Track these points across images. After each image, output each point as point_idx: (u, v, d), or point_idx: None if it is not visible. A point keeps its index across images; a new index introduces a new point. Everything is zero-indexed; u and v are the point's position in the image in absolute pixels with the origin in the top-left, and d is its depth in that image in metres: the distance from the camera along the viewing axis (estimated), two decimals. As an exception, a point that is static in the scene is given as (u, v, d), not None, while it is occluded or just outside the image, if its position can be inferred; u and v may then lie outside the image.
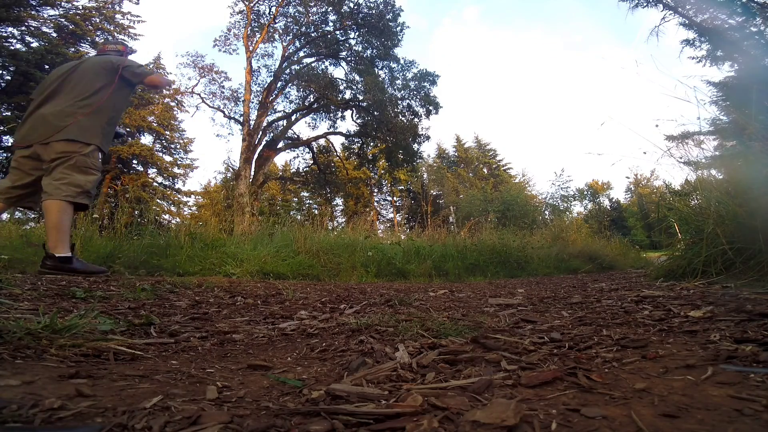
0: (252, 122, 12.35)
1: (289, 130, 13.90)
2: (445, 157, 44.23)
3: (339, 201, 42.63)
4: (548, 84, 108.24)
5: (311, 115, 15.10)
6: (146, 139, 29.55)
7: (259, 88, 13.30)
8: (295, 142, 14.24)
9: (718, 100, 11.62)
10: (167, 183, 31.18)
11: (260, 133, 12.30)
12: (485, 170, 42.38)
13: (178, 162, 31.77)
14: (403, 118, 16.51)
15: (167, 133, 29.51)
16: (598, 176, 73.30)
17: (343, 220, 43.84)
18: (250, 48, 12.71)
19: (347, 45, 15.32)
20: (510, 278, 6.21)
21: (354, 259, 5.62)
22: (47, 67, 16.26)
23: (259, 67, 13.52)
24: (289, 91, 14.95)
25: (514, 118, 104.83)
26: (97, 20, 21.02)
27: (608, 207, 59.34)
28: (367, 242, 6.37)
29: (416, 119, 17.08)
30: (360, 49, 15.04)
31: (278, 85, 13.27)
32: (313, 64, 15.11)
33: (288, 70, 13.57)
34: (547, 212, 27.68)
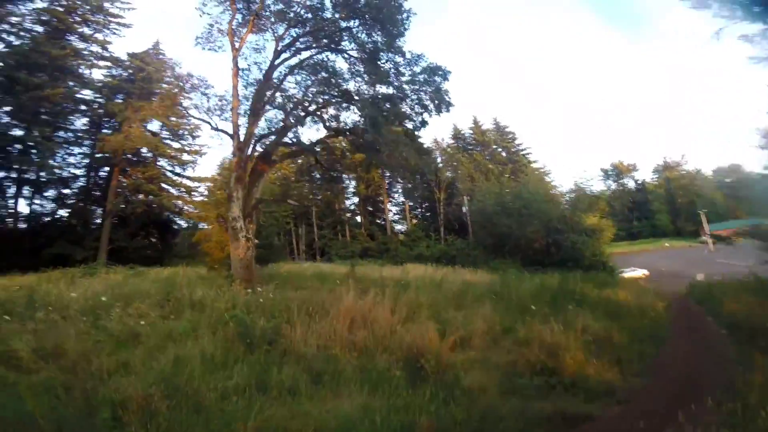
0: (242, 134, 11.23)
1: (287, 136, 12.70)
2: (460, 138, 41.84)
3: (350, 184, 41.43)
4: (573, 62, 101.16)
5: (310, 118, 13.80)
6: (153, 126, 28.69)
7: (249, 92, 12.01)
8: (294, 152, 13.07)
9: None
10: (178, 170, 30.71)
11: (252, 145, 11.19)
12: (503, 154, 39.98)
13: (186, 149, 31.12)
14: (411, 112, 15.03)
15: (173, 119, 28.61)
16: (624, 157, 71.09)
17: (355, 202, 42.84)
18: (236, 44, 11.27)
19: (350, 33, 13.66)
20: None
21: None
22: (29, 69, 15.39)
23: (249, 65, 12.20)
24: (284, 92, 13.63)
25: (535, 100, 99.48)
26: (84, 11, 19.86)
27: (633, 188, 57.81)
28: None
29: (426, 114, 15.55)
30: (364, 37, 13.38)
31: (271, 86, 11.91)
32: (313, 56, 13.60)
33: (282, 67, 12.19)
34: (566, 210, 25.87)
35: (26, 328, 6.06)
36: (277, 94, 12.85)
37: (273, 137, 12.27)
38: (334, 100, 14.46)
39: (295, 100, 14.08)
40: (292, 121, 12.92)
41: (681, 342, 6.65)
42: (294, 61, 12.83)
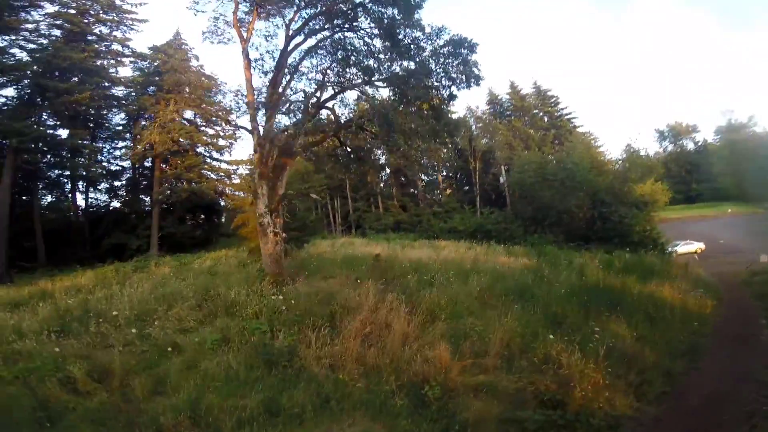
0: (261, 128, 11.01)
1: (308, 125, 12.33)
2: (497, 103, 38.87)
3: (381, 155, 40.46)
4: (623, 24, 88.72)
5: (332, 102, 13.27)
6: (188, 114, 29.52)
7: (263, 84, 11.62)
8: (315, 141, 12.68)
9: None
10: (216, 155, 31.77)
11: (272, 139, 10.97)
12: (545, 119, 36.71)
13: (221, 134, 31.91)
14: (438, 84, 14.01)
15: (204, 106, 29.19)
16: (682, 118, 64.99)
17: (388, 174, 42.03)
18: (244, 34, 10.78)
19: (364, 9, 12.66)
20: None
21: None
22: (57, 74, 16.06)
23: (261, 55, 11.71)
24: (301, 77, 13.10)
25: (581, 61, 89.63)
26: (96, 11, 20.14)
27: (692, 150, 52.49)
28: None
29: (455, 87, 14.43)
30: (379, 12, 12.34)
31: (286, 74, 11.43)
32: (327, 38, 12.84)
33: (296, 53, 11.58)
34: (615, 180, 23.27)
35: (82, 342, 6.71)
36: (294, 80, 12.40)
37: (293, 128, 11.97)
38: (356, 80, 13.80)
39: (315, 85, 13.61)
40: (311, 108, 12.49)
41: (720, 358, 5.82)
42: (308, 44, 12.17)
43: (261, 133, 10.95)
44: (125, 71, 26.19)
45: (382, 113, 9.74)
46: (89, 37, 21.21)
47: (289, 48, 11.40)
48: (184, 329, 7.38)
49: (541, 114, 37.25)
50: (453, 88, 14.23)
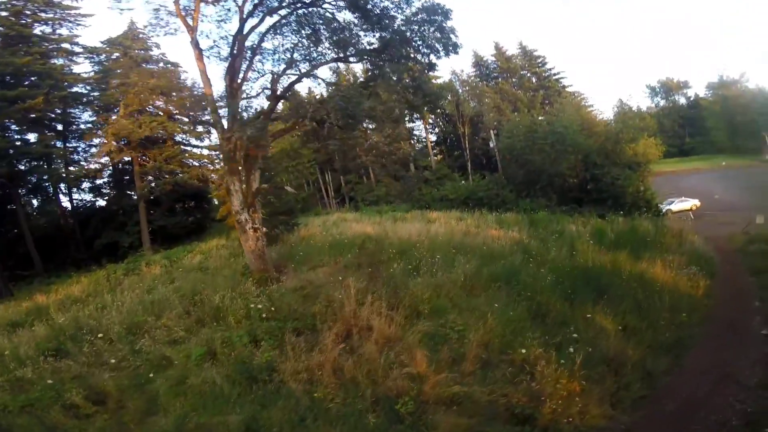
0: (225, 121, 10.33)
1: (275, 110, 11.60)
2: (483, 65, 37.07)
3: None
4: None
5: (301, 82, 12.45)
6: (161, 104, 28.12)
7: (219, 73, 10.82)
8: (287, 128, 11.95)
9: None
10: (196, 142, 30.63)
11: (237, 130, 10.30)
12: (533, 80, 35.11)
13: (196, 120, 30.57)
14: (417, 55, 13.21)
15: (173, 94, 27.67)
16: (673, 74, 64.40)
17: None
18: (191, 23, 9.79)
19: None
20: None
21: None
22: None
23: (215, 42, 10.70)
24: (266, 58, 12.19)
25: (567, 18, 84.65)
26: (32, 10, 18.44)
27: (684, 105, 51.99)
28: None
29: (433, 56, 13.62)
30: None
31: (245, 59, 10.53)
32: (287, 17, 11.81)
33: (253, 35, 10.62)
34: (607, 141, 22.44)
35: (79, 362, 6.78)
36: (257, 63, 11.54)
37: (260, 116, 11.26)
38: (327, 55, 12.90)
39: (283, 65, 12.72)
40: (279, 92, 11.72)
41: (707, 352, 5.69)
42: (268, 24, 11.15)
43: (225, 126, 10.31)
44: (85, 67, 24.81)
45: (341, 106, 8.95)
46: (33, 39, 19.69)
47: (245, 31, 10.47)
48: (173, 340, 7.41)
49: (529, 75, 35.68)
50: (432, 56, 13.45)
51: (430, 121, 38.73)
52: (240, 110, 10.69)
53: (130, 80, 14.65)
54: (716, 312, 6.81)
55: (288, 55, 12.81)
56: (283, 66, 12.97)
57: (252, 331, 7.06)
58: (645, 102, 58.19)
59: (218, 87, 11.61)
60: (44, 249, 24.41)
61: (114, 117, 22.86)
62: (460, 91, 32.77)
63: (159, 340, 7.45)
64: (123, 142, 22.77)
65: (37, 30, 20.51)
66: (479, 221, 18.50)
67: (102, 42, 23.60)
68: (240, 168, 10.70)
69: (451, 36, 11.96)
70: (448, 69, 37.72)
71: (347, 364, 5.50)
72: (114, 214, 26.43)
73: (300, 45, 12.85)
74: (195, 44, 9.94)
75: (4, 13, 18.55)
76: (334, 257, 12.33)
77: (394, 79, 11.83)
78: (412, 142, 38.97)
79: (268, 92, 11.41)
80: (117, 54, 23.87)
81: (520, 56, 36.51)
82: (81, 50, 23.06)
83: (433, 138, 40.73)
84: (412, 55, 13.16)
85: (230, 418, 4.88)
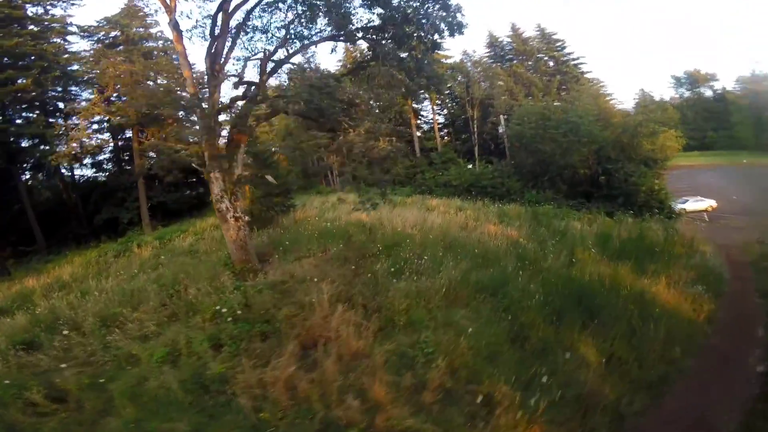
0: (206, 105, 9.64)
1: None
2: (497, 46, 34.88)
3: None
4: None
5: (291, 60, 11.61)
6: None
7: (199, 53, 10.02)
8: (272, 112, 11.16)
9: None
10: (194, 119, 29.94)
11: (217, 113, 9.64)
12: (551, 64, 32.91)
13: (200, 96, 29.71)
14: (421, 33, 12.25)
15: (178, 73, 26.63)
16: (701, 65, 61.20)
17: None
18: (169, 3, 8.93)
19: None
20: None
21: None
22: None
23: (198, 22, 9.80)
24: (255, 35, 11.33)
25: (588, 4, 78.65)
26: None
27: (710, 97, 49.52)
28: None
29: (437, 35, 12.63)
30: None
31: (229, 38, 9.70)
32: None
33: (239, 13, 9.73)
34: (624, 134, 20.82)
35: (50, 356, 6.70)
36: (243, 43, 10.71)
37: (246, 99, 10.52)
38: (324, 32, 11.97)
39: (275, 43, 11.87)
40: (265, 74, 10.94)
41: (690, 392, 5.07)
42: (252, 3, 10.20)
43: (205, 110, 9.63)
44: (84, 45, 24.14)
45: (305, 98, 8.09)
46: (23, 21, 19.04)
47: (231, 9, 9.57)
48: (144, 336, 7.23)
49: (546, 59, 33.46)
50: (435, 36, 12.42)
51: (438, 102, 37.19)
52: (220, 94, 9.92)
53: (102, 65, 14.06)
54: (714, 341, 6.13)
55: (281, 33, 11.97)
56: (273, 46, 12.23)
57: (216, 334, 6.69)
58: (668, 92, 56.05)
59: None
60: (47, 224, 24.56)
61: (115, 95, 22.36)
62: (471, 72, 31.07)
63: (130, 334, 7.30)
64: (121, 117, 22.29)
65: (29, 11, 19.82)
66: (479, 213, 17.67)
67: (98, 21, 22.82)
68: (222, 153, 10.14)
69: (457, 15, 10.90)
70: (459, 49, 35.81)
71: (302, 383, 5.10)
72: (114, 189, 26.30)
73: (295, 22, 11.96)
74: (174, 25, 9.17)
75: None
76: (323, 246, 11.88)
77: (392, 59, 10.89)
78: (419, 122, 37.59)
79: (252, 75, 10.72)
80: (116, 33, 23.04)
81: (538, 38, 34.22)
82: (75, 30, 22.34)
83: (441, 120, 39.26)
84: (414, 35, 12.17)
85: (178, 426, 4.74)
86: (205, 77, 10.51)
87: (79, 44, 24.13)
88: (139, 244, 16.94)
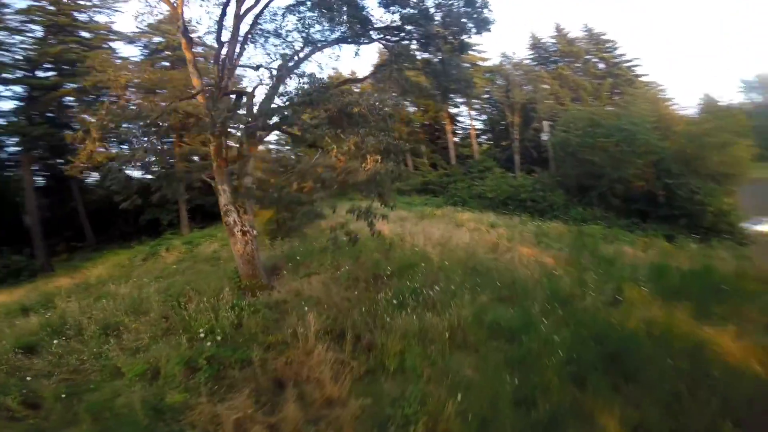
0: (215, 115, 9.33)
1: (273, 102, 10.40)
2: (541, 47, 32.48)
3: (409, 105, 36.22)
4: None
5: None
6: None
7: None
8: (281, 121, 10.65)
9: None
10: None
11: (224, 122, 9.26)
12: (600, 65, 29.91)
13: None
14: (445, 32, 11.33)
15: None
16: None
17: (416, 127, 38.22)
18: (174, 3, 8.74)
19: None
20: None
21: None
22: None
23: (210, 28, 9.61)
24: (267, 40, 11.01)
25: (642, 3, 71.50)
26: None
27: None
28: None
29: (464, 35, 11.64)
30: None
31: (236, 45, 9.35)
32: None
33: (249, 17, 9.37)
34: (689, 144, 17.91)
35: (45, 361, 6.83)
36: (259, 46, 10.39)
37: (260, 107, 10.12)
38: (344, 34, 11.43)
39: (295, 47, 11.51)
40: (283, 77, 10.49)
41: None
42: (261, 6, 9.80)
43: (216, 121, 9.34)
44: (131, 50, 25.58)
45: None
46: (68, 28, 20.51)
47: (241, 12, 9.25)
48: (136, 348, 7.04)
49: (594, 60, 30.44)
50: (463, 35, 11.42)
51: (477, 106, 35.39)
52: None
53: (107, 75, 14.62)
54: None
55: (294, 37, 11.57)
56: (294, 48, 11.85)
57: (194, 356, 6.18)
58: (738, 97, 50.21)
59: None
60: (98, 221, 26.44)
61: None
62: (512, 74, 29.12)
63: (125, 345, 7.19)
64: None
65: (78, 17, 21.30)
66: (514, 231, 15.93)
67: (140, 28, 24.15)
68: (230, 165, 9.82)
69: (483, 11, 9.79)
70: (497, 51, 33.88)
71: (256, 427, 4.48)
72: (155, 191, 27.77)
73: (314, 23, 11.51)
74: (183, 31, 8.97)
75: (49, 6, 19.47)
76: (336, 262, 11.21)
77: (408, 61, 10.03)
78: (454, 127, 36.00)
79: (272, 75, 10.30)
80: (159, 38, 24.32)
81: (585, 39, 31.30)
82: (115, 37, 23.81)
83: (479, 125, 37.37)
84: (439, 34, 11.21)
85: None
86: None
87: (125, 50, 25.49)
88: (168, 248, 17.51)
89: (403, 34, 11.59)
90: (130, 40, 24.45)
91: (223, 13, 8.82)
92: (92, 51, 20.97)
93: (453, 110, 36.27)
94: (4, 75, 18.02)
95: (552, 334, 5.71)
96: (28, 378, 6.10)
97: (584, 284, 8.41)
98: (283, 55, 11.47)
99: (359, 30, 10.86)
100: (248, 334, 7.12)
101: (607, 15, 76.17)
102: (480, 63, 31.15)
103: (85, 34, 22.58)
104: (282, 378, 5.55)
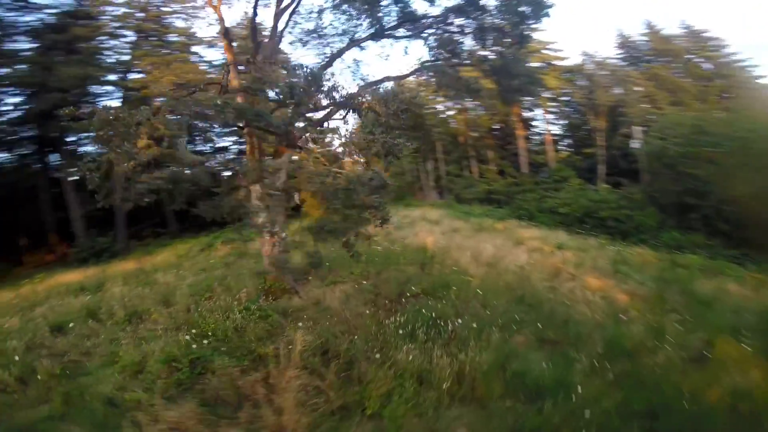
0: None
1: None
2: (630, 46, 27.84)
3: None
4: None
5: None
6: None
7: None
8: (326, 116, 10.25)
9: None
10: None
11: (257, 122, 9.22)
12: (705, 66, 24.34)
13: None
14: (501, 23, 10.09)
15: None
16: None
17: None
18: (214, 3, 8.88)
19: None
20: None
21: None
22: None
23: (254, 25, 9.56)
24: (312, 37, 10.82)
25: None
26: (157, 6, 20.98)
27: None
28: None
29: (522, 26, 10.25)
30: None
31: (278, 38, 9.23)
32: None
33: (285, 15, 9.18)
34: None
35: (67, 341, 7.30)
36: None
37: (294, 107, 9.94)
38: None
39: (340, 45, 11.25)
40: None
41: None
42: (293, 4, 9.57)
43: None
44: (215, 54, 27.93)
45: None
46: (152, 34, 23.02)
47: (282, 6, 9.14)
48: (146, 338, 7.13)
49: (698, 60, 24.87)
50: (522, 27, 10.02)
51: (556, 110, 31.88)
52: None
53: (152, 75, 15.46)
54: None
55: (342, 30, 11.24)
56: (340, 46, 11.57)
57: (180, 357, 5.97)
58: None
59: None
60: (180, 210, 29.70)
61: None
62: (595, 74, 25.40)
63: (140, 335, 7.35)
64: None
65: (160, 25, 23.86)
66: (585, 257, 13.30)
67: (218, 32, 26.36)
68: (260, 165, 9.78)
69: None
70: (578, 50, 30.04)
71: None
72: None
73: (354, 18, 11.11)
74: (224, 33, 9.15)
75: (140, 14, 22.19)
76: (366, 272, 10.56)
77: (451, 56, 8.92)
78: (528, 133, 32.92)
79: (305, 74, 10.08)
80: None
81: (685, 37, 25.89)
82: (195, 42, 26.18)
83: (556, 130, 33.64)
84: (492, 25, 9.94)
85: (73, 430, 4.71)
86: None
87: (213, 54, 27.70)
88: (223, 241, 18.60)
89: (452, 28, 10.52)
90: (204, 43, 26.48)
91: (254, 13, 8.78)
92: (175, 54, 23.26)
93: (527, 114, 33.38)
94: (108, 77, 20.78)
95: (587, 404, 4.19)
96: (42, 356, 6.45)
97: (661, 333, 6.40)
98: (331, 54, 11.28)
99: (403, 24, 10.12)
100: (245, 341, 6.76)
101: (708, 13, 63.04)
102: (556, 62, 28.02)
103: (171, 37, 24.97)
104: (249, 394, 5.01)
